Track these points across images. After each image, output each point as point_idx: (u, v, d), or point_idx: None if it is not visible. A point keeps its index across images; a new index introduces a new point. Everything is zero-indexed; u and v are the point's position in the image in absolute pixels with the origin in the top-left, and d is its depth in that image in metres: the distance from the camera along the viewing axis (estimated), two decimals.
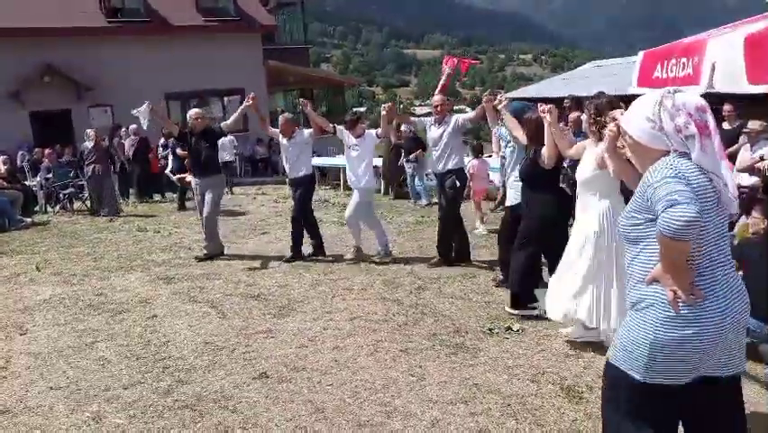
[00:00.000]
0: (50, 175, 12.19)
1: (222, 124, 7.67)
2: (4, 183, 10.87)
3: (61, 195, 11.90)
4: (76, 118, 17.04)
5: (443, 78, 7.27)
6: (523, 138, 5.18)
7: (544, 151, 4.72)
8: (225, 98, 19.86)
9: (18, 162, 14.56)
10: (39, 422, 3.50)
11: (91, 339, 4.79)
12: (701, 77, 4.07)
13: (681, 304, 2.09)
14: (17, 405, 3.72)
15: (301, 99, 7.74)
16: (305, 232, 7.42)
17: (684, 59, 4.56)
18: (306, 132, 7.43)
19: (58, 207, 11.91)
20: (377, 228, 7.19)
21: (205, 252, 7.41)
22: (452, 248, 6.83)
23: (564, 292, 4.31)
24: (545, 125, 4.61)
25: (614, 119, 3.02)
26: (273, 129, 7.98)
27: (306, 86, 23.94)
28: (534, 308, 5.01)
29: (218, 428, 3.39)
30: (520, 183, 5.28)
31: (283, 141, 7.36)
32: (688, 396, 2.22)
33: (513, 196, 5.61)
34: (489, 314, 5.21)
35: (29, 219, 10.36)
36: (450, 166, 6.56)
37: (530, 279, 5.12)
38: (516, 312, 5.07)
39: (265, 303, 5.65)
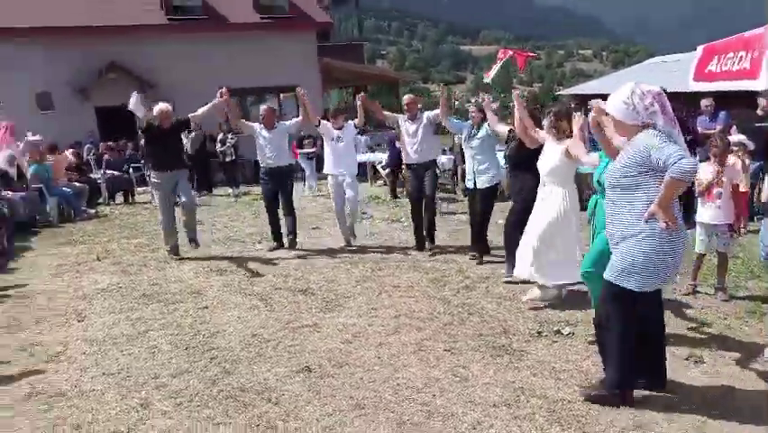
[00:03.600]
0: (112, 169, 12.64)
1: (189, 115, 7.45)
2: (73, 176, 11.34)
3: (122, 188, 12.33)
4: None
5: (494, 67, 7.70)
6: (502, 128, 6.37)
7: (515, 124, 5.68)
8: (281, 95, 20.18)
9: (84, 156, 15.18)
10: (91, 406, 3.64)
11: (144, 328, 4.94)
12: (760, 71, 3.87)
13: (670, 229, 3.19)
14: (72, 389, 3.87)
15: (298, 89, 7.61)
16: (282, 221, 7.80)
17: (742, 53, 4.36)
18: (292, 122, 7.83)
19: (120, 200, 12.35)
20: (357, 211, 7.90)
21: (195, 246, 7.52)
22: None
23: (528, 258, 5.20)
24: (516, 112, 5.57)
25: (596, 106, 3.79)
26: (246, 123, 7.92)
27: (360, 82, 24.00)
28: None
29: (260, 420, 3.44)
30: (487, 168, 6.63)
31: (264, 132, 7.53)
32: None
33: (482, 181, 6.67)
34: (538, 316, 5.11)
35: (92, 211, 10.78)
36: (428, 158, 7.32)
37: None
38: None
39: (312, 297, 5.70)
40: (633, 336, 3.45)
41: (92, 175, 12.57)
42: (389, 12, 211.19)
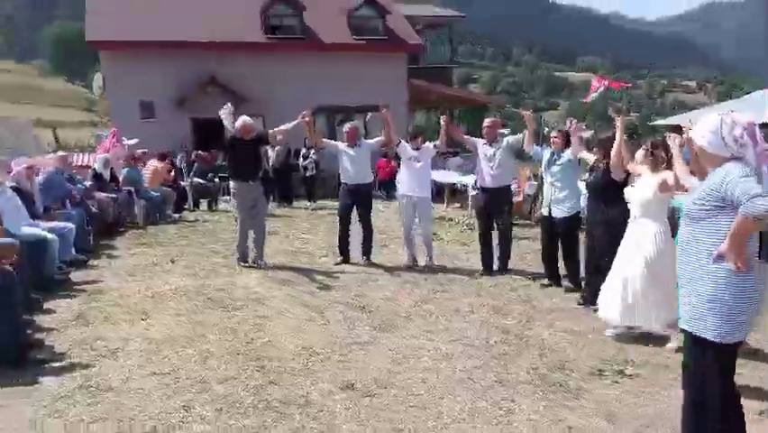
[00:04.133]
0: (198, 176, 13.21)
1: (269, 131, 7.75)
2: (167, 181, 11.93)
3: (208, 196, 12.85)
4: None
5: (592, 94, 8.39)
6: (587, 155, 6.20)
7: (612, 153, 5.46)
8: (368, 114, 20.48)
9: (177, 164, 15.96)
10: (135, 404, 3.73)
11: (202, 331, 5.05)
12: None
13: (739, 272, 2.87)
14: (121, 385, 3.99)
15: (381, 106, 7.82)
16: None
17: None
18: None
19: (204, 207, 12.87)
20: (430, 236, 7.78)
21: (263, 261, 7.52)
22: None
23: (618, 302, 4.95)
24: (616, 141, 5.42)
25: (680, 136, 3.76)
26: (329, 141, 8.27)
27: (448, 105, 23.98)
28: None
29: None
30: (566, 197, 6.40)
31: (348, 150, 7.67)
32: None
33: (560, 209, 6.45)
34: (604, 354, 4.82)
35: (177, 215, 11.28)
36: (502, 183, 7.34)
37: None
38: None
39: (369, 315, 5.65)
40: (730, 396, 3.05)
41: (181, 182, 13.17)
42: (485, 36, 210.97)
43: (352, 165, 7.63)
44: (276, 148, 14.17)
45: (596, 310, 5.44)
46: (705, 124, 3.07)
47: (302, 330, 5.17)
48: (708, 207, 2.97)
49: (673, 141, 4.18)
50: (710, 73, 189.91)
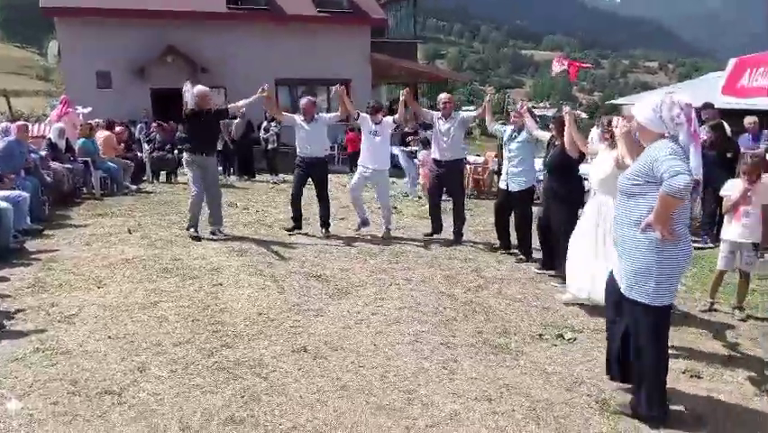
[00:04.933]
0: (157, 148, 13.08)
1: (228, 105, 7.77)
2: (120, 151, 11.79)
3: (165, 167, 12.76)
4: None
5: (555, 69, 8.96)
6: (541, 134, 6.49)
7: (566, 140, 5.69)
8: (332, 88, 20.43)
9: (136, 135, 15.73)
10: (91, 366, 3.83)
11: (157, 299, 5.14)
12: None
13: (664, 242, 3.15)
14: (77, 348, 4.08)
15: (337, 85, 7.87)
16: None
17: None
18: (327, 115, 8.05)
19: (163, 178, 12.77)
20: (389, 208, 8.02)
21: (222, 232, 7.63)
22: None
23: (585, 277, 5.12)
24: (566, 123, 5.65)
25: (628, 118, 3.79)
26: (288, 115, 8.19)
27: (412, 80, 24.04)
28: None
29: (246, 392, 3.56)
30: (522, 173, 6.74)
31: (304, 124, 7.75)
32: None
33: (517, 183, 6.78)
34: (545, 320, 5.08)
35: (134, 187, 11.19)
36: (456, 156, 7.65)
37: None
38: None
39: (325, 284, 5.80)
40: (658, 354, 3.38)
41: (139, 153, 13.02)
42: (452, 13, 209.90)
43: (308, 139, 7.75)
44: (235, 121, 14.10)
45: (552, 276, 6.07)
46: (647, 103, 3.31)
47: (257, 298, 5.29)
48: (640, 183, 3.23)
49: (617, 122, 4.23)
50: (673, 55, 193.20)
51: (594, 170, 5.16)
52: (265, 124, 14.49)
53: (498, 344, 4.49)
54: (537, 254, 6.77)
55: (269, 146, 14.09)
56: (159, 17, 17.55)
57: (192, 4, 18.11)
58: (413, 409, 3.44)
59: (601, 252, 5.02)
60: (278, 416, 3.32)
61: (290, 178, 12.76)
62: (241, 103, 7.68)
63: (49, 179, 8.54)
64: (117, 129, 12.42)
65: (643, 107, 3.30)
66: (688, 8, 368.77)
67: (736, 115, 9.16)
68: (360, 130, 8.31)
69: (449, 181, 7.79)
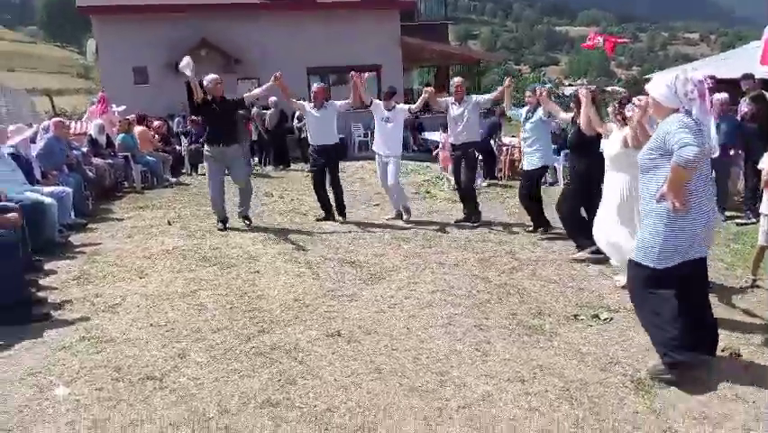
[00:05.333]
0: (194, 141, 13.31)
1: (244, 95, 7.55)
2: (159, 145, 12.07)
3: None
4: (226, 89, 18.27)
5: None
6: (565, 116, 6.58)
7: (581, 120, 5.78)
8: (365, 73, 20.44)
9: (174, 128, 16.04)
10: (134, 352, 3.98)
11: (196, 287, 5.28)
12: None
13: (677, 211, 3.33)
14: (121, 336, 4.24)
15: (352, 72, 7.82)
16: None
17: None
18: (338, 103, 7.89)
19: (201, 171, 13.00)
20: (399, 191, 8.04)
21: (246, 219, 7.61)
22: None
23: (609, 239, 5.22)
24: (582, 103, 5.71)
25: (640, 100, 4.07)
26: (298, 102, 8.11)
27: (444, 62, 23.88)
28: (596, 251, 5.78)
29: (282, 376, 3.65)
30: (536, 152, 6.95)
31: (314, 111, 7.74)
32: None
33: (530, 162, 7.01)
34: (580, 300, 5.04)
35: (174, 179, 11.45)
36: (469, 140, 7.66)
37: (585, 225, 5.91)
38: (584, 255, 6.04)
39: (359, 269, 5.87)
40: (667, 310, 3.51)
41: (177, 147, 13.29)
42: None
43: (318, 126, 7.73)
44: (269, 111, 14.25)
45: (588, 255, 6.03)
46: (661, 79, 3.51)
47: (293, 284, 5.39)
48: (654, 156, 3.45)
49: (631, 109, 4.62)
50: (714, 25, 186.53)
51: (606, 149, 5.37)
52: (298, 113, 14.57)
53: (531, 325, 4.48)
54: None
55: (303, 135, 14.16)
56: (191, 10, 17.80)
57: None
58: (445, 391, 3.48)
59: (623, 220, 5.13)
60: (314, 398, 3.40)
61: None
62: (256, 91, 7.67)
63: (91, 174, 8.81)
64: (156, 123, 12.71)
65: (657, 83, 3.49)
66: None
67: None
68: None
69: (465, 164, 7.78)
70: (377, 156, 7.97)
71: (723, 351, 4.00)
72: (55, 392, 3.45)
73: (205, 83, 7.09)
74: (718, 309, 4.75)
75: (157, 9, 17.59)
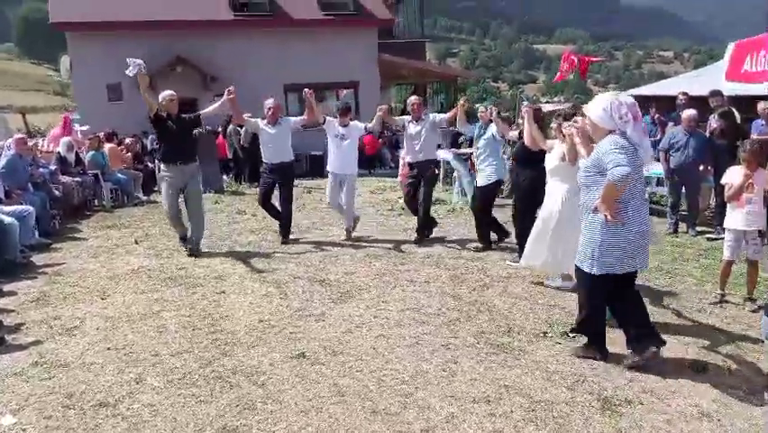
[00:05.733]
0: None
1: (201, 113, 7.21)
2: (129, 163, 11.88)
3: None
4: (202, 107, 18.16)
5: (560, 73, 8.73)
6: (514, 134, 6.85)
7: (525, 136, 6.05)
8: (342, 91, 20.50)
9: (149, 146, 15.85)
10: (88, 378, 3.84)
11: (159, 308, 5.15)
12: None
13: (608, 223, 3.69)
14: (76, 360, 4.10)
15: (305, 90, 7.54)
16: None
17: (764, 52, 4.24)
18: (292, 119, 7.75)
19: None
20: (353, 210, 7.93)
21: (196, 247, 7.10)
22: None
23: (540, 249, 5.58)
24: (525, 121, 5.98)
25: (582, 117, 4.26)
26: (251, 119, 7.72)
27: (421, 80, 24.01)
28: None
29: (241, 401, 3.54)
30: (489, 167, 7.07)
31: (268, 128, 7.50)
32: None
33: (484, 177, 7.10)
34: (550, 318, 5.00)
35: (145, 197, 11.26)
36: (427, 158, 7.60)
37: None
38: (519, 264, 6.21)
39: (328, 288, 5.77)
40: (597, 309, 4.05)
41: (151, 164, 13.10)
42: (463, 10, 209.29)
43: (272, 143, 7.49)
44: (244, 127, 14.12)
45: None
46: (599, 102, 3.82)
47: (259, 305, 5.28)
48: (592, 174, 3.82)
49: (569, 129, 4.71)
50: (688, 44, 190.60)
51: (547, 161, 5.67)
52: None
53: (500, 343, 4.42)
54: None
55: None
56: (166, 27, 17.69)
57: (198, 13, 18.25)
58: (408, 414, 3.39)
59: (556, 229, 5.45)
60: (272, 423, 3.29)
61: (303, 182, 12.86)
62: (210, 109, 7.32)
63: (57, 192, 8.62)
64: (128, 141, 12.52)
65: (594, 107, 3.81)
66: None
67: (746, 102, 8.96)
68: (377, 133, 8.29)
69: (422, 181, 7.64)
70: (330, 175, 7.76)
71: (689, 367, 3.98)
72: (0, 422, 3.30)
73: (160, 99, 6.80)
74: (686, 325, 4.76)
75: (132, 26, 17.47)
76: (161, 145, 7.10)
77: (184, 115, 6.93)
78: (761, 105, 8.37)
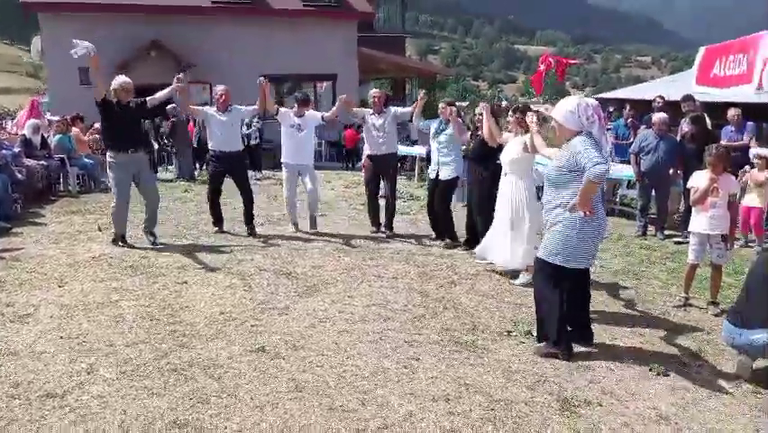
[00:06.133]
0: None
1: (147, 99, 6.81)
2: (95, 147, 11.60)
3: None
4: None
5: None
6: (467, 136, 6.98)
7: (484, 132, 6.23)
8: (321, 83, 20.35)
9: None
10: (37, 367, 3.70)
11: (117, 297, 5.01)
12: (753, 74, 3.81)
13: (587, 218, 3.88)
14: (25, 349, 3.96)
15: (260, 78, 7.34)
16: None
17: (740, 56, 4.32)
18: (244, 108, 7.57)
19: None
20: (316, 200, 7.91)
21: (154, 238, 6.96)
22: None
23: (501, 245, 5.85)
24: (483, 116, 6.21)
25: (537, 111, 4.66)
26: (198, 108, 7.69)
27: (400, 75, 23.94)
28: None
29: (195, 394, 3.44)
30: (452, 162, 7.04)
31: (218, 115, 7.32)
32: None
33: (446, 173, 7.08)
34: (516, 317, 4.98)
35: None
36: (391, 150, 7.70)
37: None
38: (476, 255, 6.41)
39: (294, 281, 5.68)
40: (563, 304, 4.12)
41: None
42: (446, 7, 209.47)
43: (221, 131, 7.29)
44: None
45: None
46: (565, 105, 3.99)
47: (221, 296, 5.17)
48: (564, 173, 3.96)
49: (531, 117, 4.91)
50: (665, 50, 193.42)
51: (505, 154, 5.84)
52: (247, 120, 14.32)
53: (464, 341, 4.39)
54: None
55: (252, 142, 13.92)
56: (142, 11, 17.36)
57: None
58: (366, 411, 3.33)
59: (515, 224, 5.73)
60: (225, 419, 3.20)
61: (278, 174, 12.67)
62: (157, 95, 6.94)
63: (20, 175, 8.38)
64: (96, 125, 12.22)
65: (561, 110, 3.97)
66: (683, 2, 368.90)
67: (717, 108, 9.06)
68: (359, 126, 8.25)
69: (385, 175, 7.73)
70: (285, 166, 7.64)
71: (650, 370, 3.99)
72: None
73: (113, 84, 6.48)
74: (648, 329, 4.78)
75: (105, 8, 17.10)
76: (108, 132, 6.75)
77: (130, 102, 6.61)
78: (731, 112, 8.46)
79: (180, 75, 6.90)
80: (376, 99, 7.59)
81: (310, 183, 7.63)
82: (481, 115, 6.47)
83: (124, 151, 6.55)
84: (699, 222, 5.22)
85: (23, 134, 9.59)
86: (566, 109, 3.94)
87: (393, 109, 7.69)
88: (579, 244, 3.95)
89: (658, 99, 9.61)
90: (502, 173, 5.93)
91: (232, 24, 18.49)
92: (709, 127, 8.13)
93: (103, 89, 6.41)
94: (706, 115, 8.26)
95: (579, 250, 3.96)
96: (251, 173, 13.45)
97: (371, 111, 7.64)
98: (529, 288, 5.59)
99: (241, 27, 18.54)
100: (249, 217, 7.61)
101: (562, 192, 3.97)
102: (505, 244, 5.80)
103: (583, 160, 3.76)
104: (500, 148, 6.09)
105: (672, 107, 9.11)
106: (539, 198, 5.71)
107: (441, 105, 7.26)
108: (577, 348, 4.22)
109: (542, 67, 13.99)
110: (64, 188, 10.18)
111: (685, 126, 8.25)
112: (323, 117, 7.74)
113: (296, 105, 7.62)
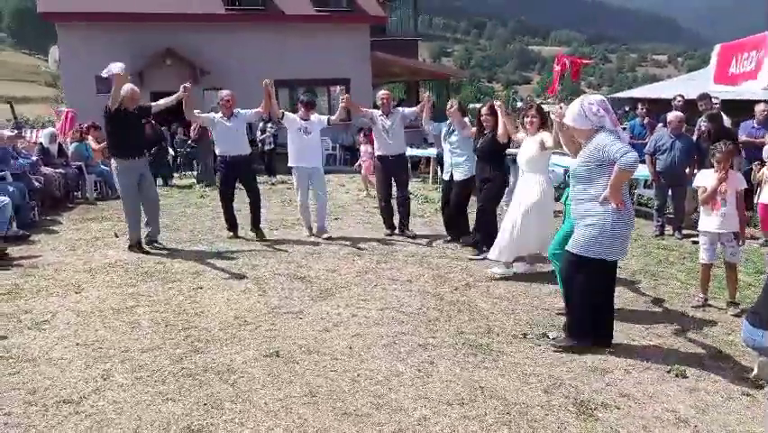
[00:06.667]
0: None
1: (152, 104, 7.05)
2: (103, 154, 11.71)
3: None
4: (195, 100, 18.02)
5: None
6: (472, 131, 6.93)
7: (499, 129, 6.32)
8: (334, 88, 20.41)
9: None
10: (54, 373, 3.74)
11: (133, 303, 5.05)
12: (761, 71, 3.76)
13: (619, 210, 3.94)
14: (42, 356, 3.99)
15: (265, 81, 7.29)
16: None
17: (754, 53, 4.27)
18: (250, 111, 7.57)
19: (160, 181, 12.69)
20: (325, 206, 7.89)
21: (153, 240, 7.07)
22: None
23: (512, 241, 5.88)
24: (499, 114, 6.32)
25: (556, 112, 4.61)
26: (203, 115, 7.70)
27: (413, 78, 23.92)
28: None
29: (209, 399, 3.45)
30: (466, 162, 7.03)
31: (223, 121, 7.33)
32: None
33: (461, 172, 7.09)
34: (531, 319, 4.94)
35: None
36: (401, 151, 7.82)
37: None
38: (479, 257, 6.64)
39: (308, 285, 5.69)
40: (591, 299, 4.16)
41: None
42: (459, 10, 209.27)
43: (229, 136, 7.34)
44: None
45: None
46: (571, 109, 4.09)
47: (236, 301, 5.19)
48: (591, 167, 4.00)
49: (555, 109, 4.86)
50: (682, 48, 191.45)
51: (522, 154, 5.93)
52: (261, 125, 14.39)
53: (479, 344, 4.35)
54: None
55: (266, 147, 13.99)
56: (157, 20, 17.53)
57: (190, 6, 18.08)
58: (380, 415, 3.31)
59: (526, 222, 5.78)
60: (239, 424, 3.20)
61: (290, 179, 12.70)
62: (163, 102, 7.09)
63: (37, 184, 8.49)
64: None
65: (570, 114, 4.09)
66: (696, 1, 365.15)
67: (736, 108, 8.92)
68: (370, 130, 8.29)
69: (397, 176, 7.79)
70: (296, 171, 7.66)
71: (669, 372, 3.93)
72: None
73: (122, 92, 6.49)
74: (666, 330, 4.71)
75: (122, 17, 17.29)
76: (112, 139, 6.80)
77: (134, 109, 6.68)
78: (760, 107, 8.22)
79: (187, 84, 6.98)
80: (384, 101, 7.63)
81: (319, 187, 7.66)
82: (487, 114, 6.55)
83: (129, 157, 6.64)
84: (709, 221, 5.17)
85: (41, 143, 9.71)
86: (574, 113, 4.05)
87: (401, 110, 7.79)
88: (613, 235, 3.97)
89: (678, 98, 9.50)
90: (519, 172, 6.01)
91: (245, 31, 18.62)
92: (727, 125, 8.01)
93: (118, 100, 6.49)
94: (723, 113, 8.14)
95: (614, 242, 3.99)
96: (265, 178, 13.63)
97: (380, 112, 7.67)
98: (545, 293, 5.57)
99: (254, 33, 18.66)
100: (256, 220, 7.64)
101: (591, 187, 4.02)
102: (529, 232, 5.81)
103: (612, 151, 3.82)
104: (508, 145, 6.26)
105: (691, 106, 9.00)
106: (558, 199, 6.00)
107: (448, 107, 7.27)
108: (594, 354, 4.17)
109: (557, 67, 13.97)
110: (81, 196, 10.29)
111: (703, 125, 8.13)
112: (328, 120, 7.76)
113: (301, 109, 7.64)
